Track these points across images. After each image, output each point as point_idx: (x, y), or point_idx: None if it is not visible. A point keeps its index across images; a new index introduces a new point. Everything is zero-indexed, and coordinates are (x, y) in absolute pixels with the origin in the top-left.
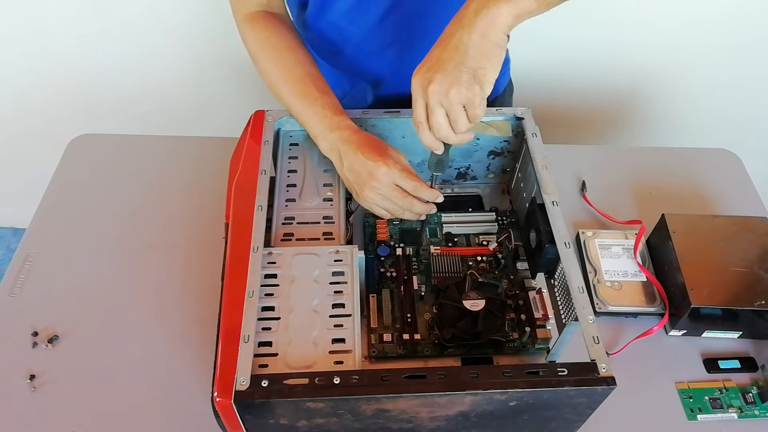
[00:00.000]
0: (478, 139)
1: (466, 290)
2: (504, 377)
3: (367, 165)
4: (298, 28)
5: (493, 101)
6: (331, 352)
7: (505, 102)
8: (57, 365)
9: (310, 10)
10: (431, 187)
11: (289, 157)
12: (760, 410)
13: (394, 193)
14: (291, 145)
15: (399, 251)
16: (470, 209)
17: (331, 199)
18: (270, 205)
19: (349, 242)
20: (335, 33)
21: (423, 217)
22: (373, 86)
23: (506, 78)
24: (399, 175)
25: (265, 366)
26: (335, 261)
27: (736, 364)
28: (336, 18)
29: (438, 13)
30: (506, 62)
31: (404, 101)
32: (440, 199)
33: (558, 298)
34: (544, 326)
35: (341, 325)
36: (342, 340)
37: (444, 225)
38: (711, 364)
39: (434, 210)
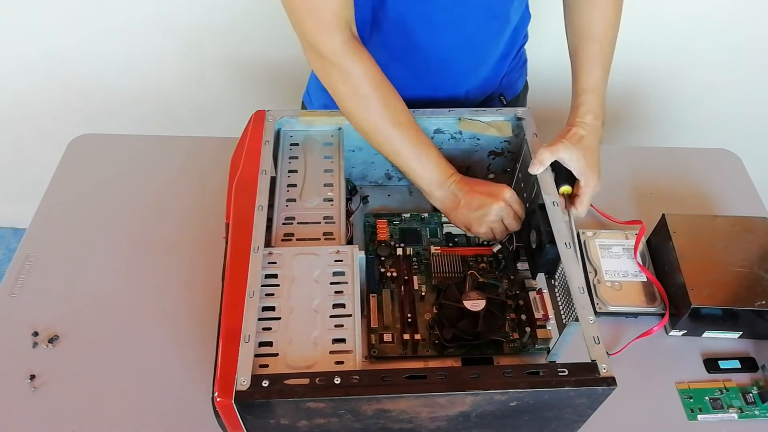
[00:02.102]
0: (478, 139)
1: (467, 290)
2: (504, 377)
3: (486, 201)
4: (367, 30)
5: (510, 101)
6: (331, 352)
7: (519, 102)
8: (57, 365)
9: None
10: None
11: (290, 157)
12: (761, 410)
13: (509, 213)
14: (291, 145)
15: (399, 251)
16: None
17: (331, 199)
18: (270, 205)
19: (350, 242)
20: (408, 27)
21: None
22: (435, 87)
23: (524, 79)
24: (516, 199)
25: (266, 366)
26: (336, 261)
27: (737, 364)
28: (407, 9)
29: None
30: (524, 63)
31: (448, 104)
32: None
33: (558, 299)
34: (544, 326)
35: (342, 325)
36: (342, 340)
37: (444, 225)
38: (711, 364)
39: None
